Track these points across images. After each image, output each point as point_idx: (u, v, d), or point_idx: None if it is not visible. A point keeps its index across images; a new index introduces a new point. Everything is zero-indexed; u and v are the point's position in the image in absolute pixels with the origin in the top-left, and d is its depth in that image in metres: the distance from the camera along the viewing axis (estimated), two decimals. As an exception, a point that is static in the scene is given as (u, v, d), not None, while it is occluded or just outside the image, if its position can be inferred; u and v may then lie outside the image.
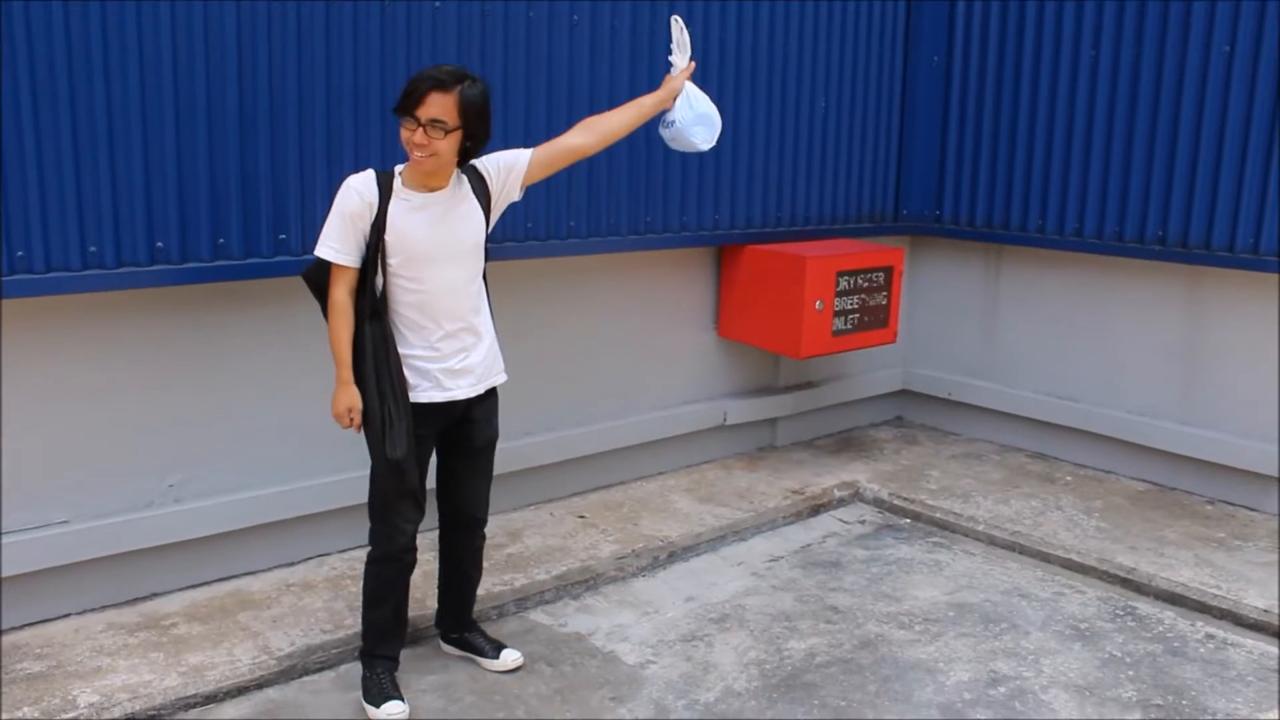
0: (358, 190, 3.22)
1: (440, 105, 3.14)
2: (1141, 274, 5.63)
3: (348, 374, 3.28)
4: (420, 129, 3.14)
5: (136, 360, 3.96)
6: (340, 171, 4.07)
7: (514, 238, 4.67)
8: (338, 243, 3.22)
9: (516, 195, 3.54)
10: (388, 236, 3.21)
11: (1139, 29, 5.38)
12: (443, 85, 3.15)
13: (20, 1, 3.40)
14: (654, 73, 4.84)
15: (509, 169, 3.46)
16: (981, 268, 6.34)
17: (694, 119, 3.76)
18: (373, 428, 3.31)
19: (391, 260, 3.23)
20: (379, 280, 3.25)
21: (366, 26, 4.12)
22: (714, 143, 3.86)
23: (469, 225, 3.35)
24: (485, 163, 3.44)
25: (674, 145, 3.87)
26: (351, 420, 3.31)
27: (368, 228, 3.21)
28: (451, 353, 3.36)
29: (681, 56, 3.75)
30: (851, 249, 5.67)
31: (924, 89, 6.22)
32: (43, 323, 3.73)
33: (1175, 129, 5.31)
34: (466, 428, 3.50)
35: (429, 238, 3.25)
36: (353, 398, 3.29)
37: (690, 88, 3.76)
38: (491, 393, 3.55)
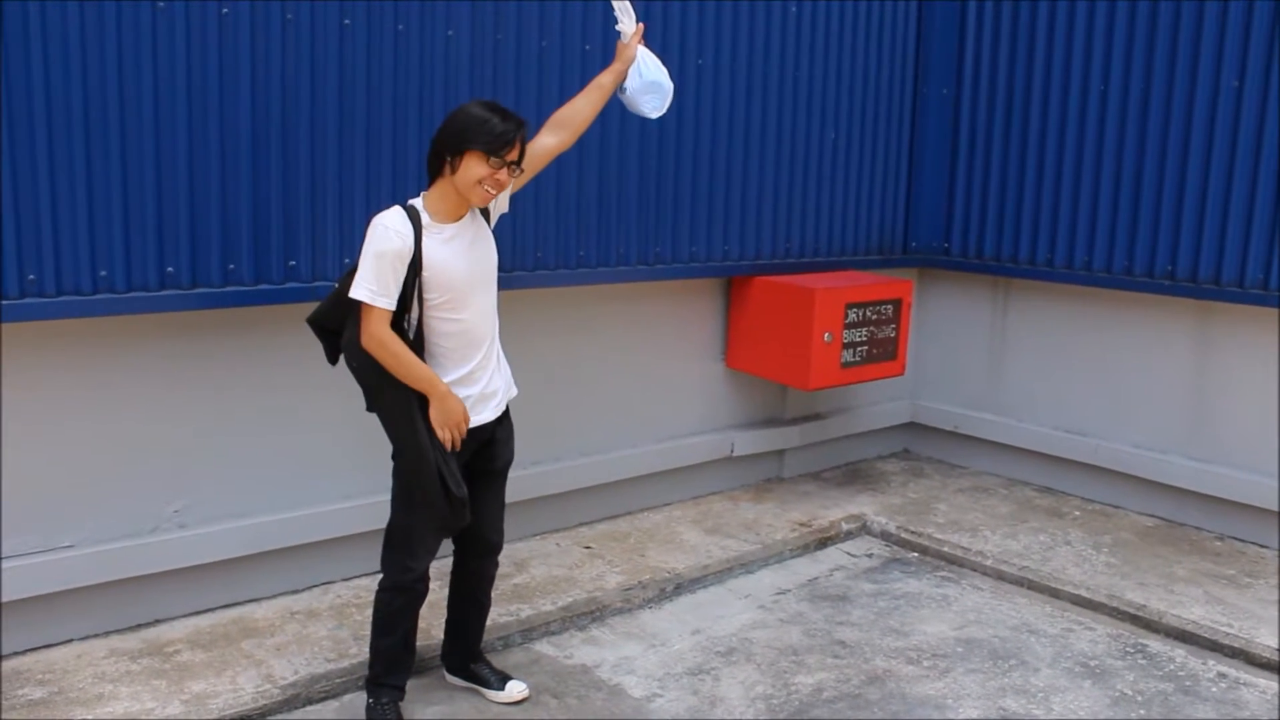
0: (397, 231, 3.15)
1: (520, 148, 3.24)
2: (1150, 309, 5.62)
3: (443, 385, 3.23)
4: (505, 169, 3.20)
5: (144, 385, 3.95)
6: (352, 199, 4.09)
7: (524, 267, 4.68)
8: (376, 284, 3.13)
9: (505, 207, 3.58)
10: (426, 274, 3.19)
11: (1148, 62, 5.40)
12: (521, 127, 3.23)
13: (37, 27, 3.42)
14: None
15: None
16: (990, 301, 6.33)
17: (642, 87, 3.73)
18: (410, 459, 3.26)
19: (430, 295, 3.21)
20: (413, 315, 3.23)
21: (380, 54, 4.14)
22: (664, 110, 3.82)
23: (489, 248, 3.40)
24: None
25: (631, 109, 3.85)
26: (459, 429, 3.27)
27: (405, 268, 3.17)
28: (484, 377, 3.38)
29: (628, 22, 3.72)
30: (860, 281, 5.67)
31: (933, 121, 6.24)
32: (52, 346, 3.73)
33: (1184, 163, 5.32)
34: (490, 450, 3.51)
35: (463, 267, 3.26)
36: (461, 404, 3.25)
37: (643, 53, 3.73)
38: (507, 413, 3.57)
